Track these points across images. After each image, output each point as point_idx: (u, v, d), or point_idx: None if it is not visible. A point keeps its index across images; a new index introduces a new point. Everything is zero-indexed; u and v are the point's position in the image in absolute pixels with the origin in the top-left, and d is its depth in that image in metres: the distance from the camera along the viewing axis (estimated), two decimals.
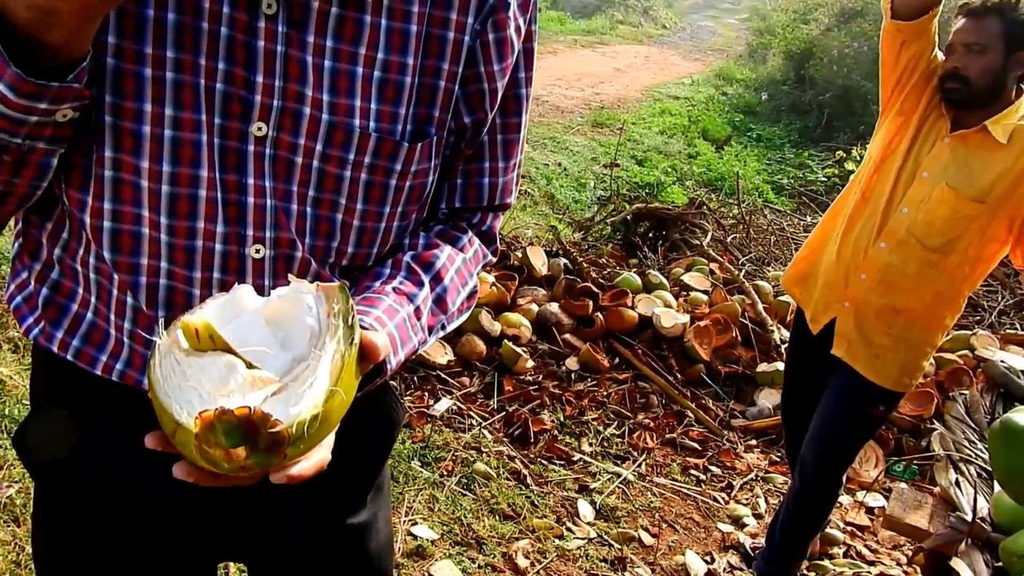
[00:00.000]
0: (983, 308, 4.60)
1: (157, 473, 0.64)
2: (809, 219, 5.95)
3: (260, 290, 0.79)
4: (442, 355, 3.16)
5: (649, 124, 8.59)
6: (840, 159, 6.84)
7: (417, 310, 0.82)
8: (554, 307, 3.52)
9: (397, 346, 0.77)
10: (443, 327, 0.89)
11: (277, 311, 0.64)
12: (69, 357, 0.83)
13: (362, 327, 0.70)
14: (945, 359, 3.53)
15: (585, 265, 3.86)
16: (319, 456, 0.64)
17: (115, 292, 0.80)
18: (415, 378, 3.08)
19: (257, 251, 0.78)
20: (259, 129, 0.75)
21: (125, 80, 0.71)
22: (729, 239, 4.93)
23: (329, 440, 0.65)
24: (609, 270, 4.02)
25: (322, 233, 0.81)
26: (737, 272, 4.21)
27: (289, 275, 0.69)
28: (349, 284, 0.86)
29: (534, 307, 3.51)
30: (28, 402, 2.55)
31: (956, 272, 2.01)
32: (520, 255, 3.78)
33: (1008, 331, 4.17)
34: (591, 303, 3.52)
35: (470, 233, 0.94)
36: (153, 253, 0.77)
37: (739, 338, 3.65)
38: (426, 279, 0.85)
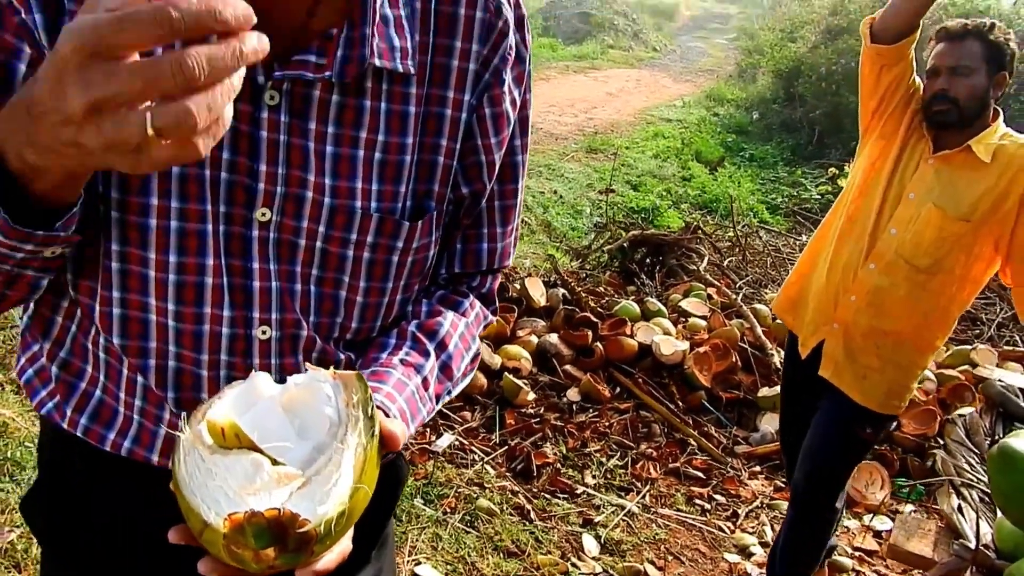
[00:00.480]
0: (982, 321, 4.63)
1: (162, 518, 0.65)
2: (804, 238, 5.98)
3: (267, 369, 0.81)
4: None
5: (643, 148, 8.65)
6: (833, 176, 6.88)
7: (424, 380, 0.84)
8: (553, 338, 3.53)
9: (408, 421, 0.79)
10: (448, 392, 0.91)
11: (294, 399, 0.65)
12: (78, 434, 0.85)
13: (376, 407, 0.71)
14: (946, 375, 3.54)
15: (583, 295, 3.88)
16: (342, 547, 0.65)
17: (125, 372, 0.82)
18: None
19: (263, 332, 0.80)
20: (263, 215, 0.76)
21: (130, 175, 0.72)
22: (725, 263, 4.96)
23: (351, 530, 0.66)
24: (607, 299, 4.03)
25: (326, 311, 0.83)
26: (735, 296, 4.23)
27: (306, 363, 0.70)
28: (355, 354, 0.88)
29: (534, 339, 3.53)
30: (30, 444, 2.54)
31: (944, 292, 2.04)
32: (519, 287, 3.80)
33: (1006, 347, 4.18)
34: (590, 333, 3.53)
35: (471, 297, 0.96)
36: (161, 338, 0.79)
37: (739, 363, 3.66)
38: (431, 348, 0.87)
